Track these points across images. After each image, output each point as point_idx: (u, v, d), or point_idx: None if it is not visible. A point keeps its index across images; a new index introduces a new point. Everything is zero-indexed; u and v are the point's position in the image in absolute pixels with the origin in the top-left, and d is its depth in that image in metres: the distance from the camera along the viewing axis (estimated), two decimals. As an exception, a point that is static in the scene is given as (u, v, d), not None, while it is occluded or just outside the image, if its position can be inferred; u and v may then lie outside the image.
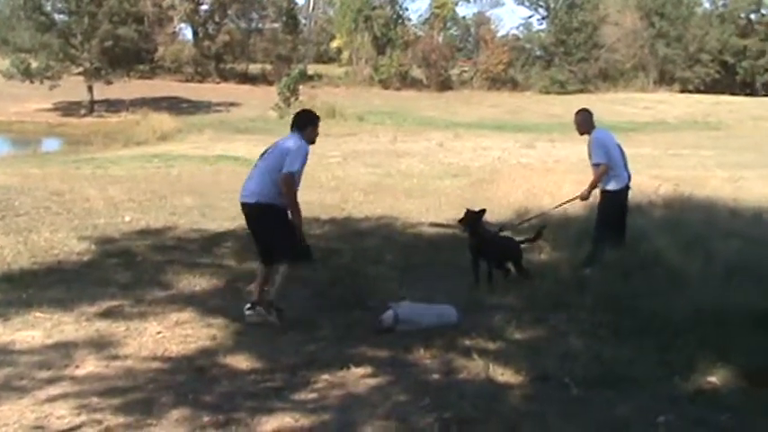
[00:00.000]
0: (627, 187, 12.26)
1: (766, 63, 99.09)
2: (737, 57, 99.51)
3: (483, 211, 11.25)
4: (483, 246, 10.99)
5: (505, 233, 12.05)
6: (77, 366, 7.37)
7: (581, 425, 6.38)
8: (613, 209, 12.13)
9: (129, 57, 68.87)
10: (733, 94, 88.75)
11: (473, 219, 11.05)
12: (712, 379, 7.47)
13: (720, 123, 62.71)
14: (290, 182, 9.01)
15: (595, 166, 11.93)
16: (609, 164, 11.85)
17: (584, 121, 12.26)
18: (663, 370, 7.63)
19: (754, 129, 57.88)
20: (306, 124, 9.45)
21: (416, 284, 10.84)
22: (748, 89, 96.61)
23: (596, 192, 12.16)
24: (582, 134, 12.33)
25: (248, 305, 9.12)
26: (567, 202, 13.22)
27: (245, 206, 9.27)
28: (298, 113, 9.84)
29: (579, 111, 12.53)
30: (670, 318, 8.81)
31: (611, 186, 12.00)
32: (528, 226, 13.08)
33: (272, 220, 9.17)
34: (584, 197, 12.25)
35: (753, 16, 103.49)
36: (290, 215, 9.17)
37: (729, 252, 11.71)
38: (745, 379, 7.34)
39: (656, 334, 8.56)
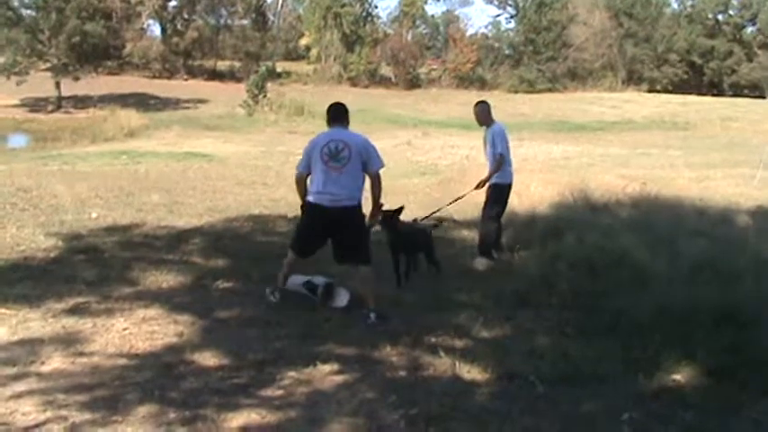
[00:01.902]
0: (511, 183, 12.79)
1: (733, 63, 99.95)
2: (705, 57, 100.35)
3: (401, 208, 11.17)
4: (400, 240, 10.99)
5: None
6: (43, 363, 7.32)
7: (547, 422, 6.41)
8: (500, 202, 12.66)
9: (96, 53, 68.57)
10: (700, 94, 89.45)
11: (390, 218, 10.87)
12: (677, 377, 7.53)
13: (688, 123, 63.09)
14: (380, 179, 9.44)
15: (494, 156, 12.28)
16: (504, 157, 12.28)
17: (484, 113, 12.59)
18: (628, 368, 7.67)
19: (722, 129, 58.29)
20: (347, 115, 9.77)
21: (383, 281, 10.83)
22: (715, 89, 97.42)
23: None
24: (481, 125, 12.65)
25: (373, 315, 9.21)
26: (462, 196, 13.45)
27: (344, 210, 9.21)
28: (341, 107, 9.80)
29: (479, 102, 12.85)
30: (636, 316, 8.84)
31: (500, 180, 12.43)
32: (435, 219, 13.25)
33: (363, 220, 9.53)
34: (481, 186, 12.52)
35: (720, 17, 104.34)
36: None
37: (695, 251, 11.78)
38: (708, 376, 7.40)
39: (622, 332, 8.60)
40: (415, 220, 12.00)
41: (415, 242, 11.40)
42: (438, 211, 13.40)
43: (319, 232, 9.45)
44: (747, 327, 8.20)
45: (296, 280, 9.98)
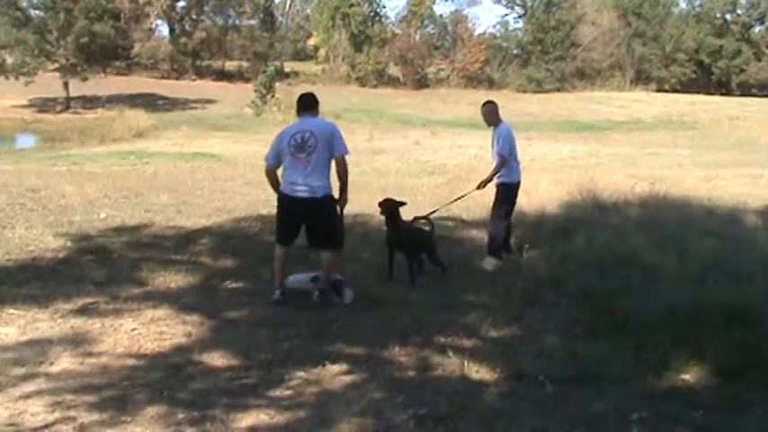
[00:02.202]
0: (519, 182, 12.78)
1: (741, 63, 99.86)
2: (713, 56, 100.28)
3: (403, 203, 11.37)
4: (401, 238, 11.11)
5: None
6: (52, 363, 7.32)
7: (555, 422, 6.39)
8: (508, 202, 12.64)
9: (105, 53, 68.78)
10: (708, 93, 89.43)
11: (393, 207, 11.13)
12: (686, 376, 7.51)
13: (696, 123, 63.09)
14: (346, 163, 9.65)
15: (498, 156, 12.30)
16: (509, 157, 12.29)
17: (492, 113, 12.62)
18: (638, 367, 7.65)
19: (730, 128, 58.28)
20: (317, 105, 9.99)
21: (393, 282, 10.86)
22: (723, 89, 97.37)
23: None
24: (489, 125, 12.67)
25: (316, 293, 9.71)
26: (466, 194, 13.57)
27: (311, 201, 9.47)
28: (310, 96, 10.07)
29: (486, 102, 12.89)
30: (645, 316, 8.83)
31: (508, 179, 12.44)
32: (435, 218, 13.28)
33: (334, 208, 9.72)
34: (482, 186, 12.55)
35: (728, 16, 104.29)
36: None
37: (704, 250, 11.78)
38: (718, 376, 7.38)
39: (632, 332, 8.58)
40: (415, 219, 12.00)
41: (415, 242, 11.46)
42: (438, 210, 13.40)
43: (295, 221, 9.72)
44: (756, 326, 8.18)
45: (300, 277, 10.11)
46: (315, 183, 9.40)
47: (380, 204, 11.29)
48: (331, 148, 9.48)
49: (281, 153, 9.60)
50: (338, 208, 9.76)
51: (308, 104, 9.92)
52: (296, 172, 9.48)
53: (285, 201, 9.64)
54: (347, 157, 9.65)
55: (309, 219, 9.60)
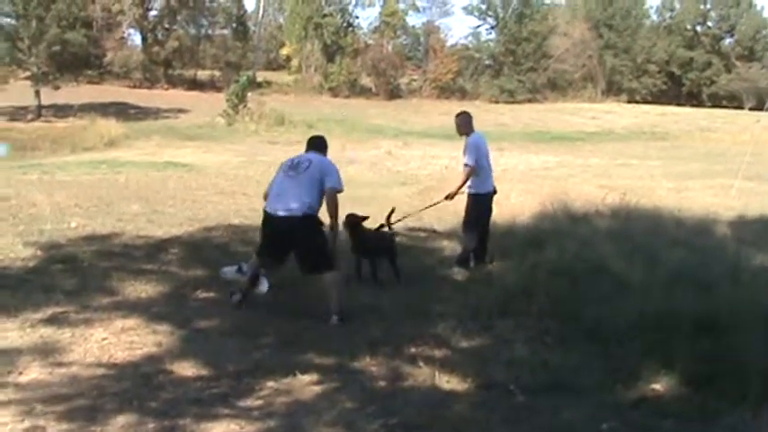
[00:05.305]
0: (491, 193, 12.93)
1: (712, 75, 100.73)
2: (684, 68, 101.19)
3: (366, 217, 11.76)
4: (363, 244, 11.53)
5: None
6: (21, 373, 7.28)
7: (526, 431, 6.42)
8: (478, 212, 12.75)
9: (77, 61, 68.42)
10: (679, 105, 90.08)
11: (355, 224, 11.55)
12: (656, 386, 7.56)
13: (667, 134, 63.46)
14: (336, 198, 9.66)
15: (465, 166, 12.46)
16: (476, 167, 12.39)
17: (465, 123, 12.81)
18: (608, 377, 7.70)
19: (701, 140, 58.68)
20: (326, 148, 10.37)
21: (364, 291, 10.87)
22: (694, 100, 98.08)
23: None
24: (461, 135, 12.82)
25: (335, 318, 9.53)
26: (434, 204, 13.75)
27: (291, 220, 9.46)
28: (320, 138, 10.50)
29: (460, 113, 13.07)
30: (615, 325, 8.88)
31: (476, 190, 12.62)
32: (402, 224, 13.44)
33: (319, 230, 9.66)
34: (450, 197, 12.76)
35: (699, 28, 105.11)
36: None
37: (673, 260, 11.86)
38: (687, 385, 7.42)
39: (602, 341, 8.64)
40: (380, 227, 12.10)
41: (376, 246, 11.76)
42: (405, 218, 13.48)
43: (275, 241, 9.77)
44: (725, 335, 8.23)
45: (230, 269, 10.70)
46: (296, 203, 9.42)
47: (344, 220, 11.43)
48: (323, 178, 9.58)
49: (276, 177, 9.98)
50: (324, 231, 9.73)
51: (315, 144, 10.31)
52: (280, 191, 9.63)
53: (266, 218, 9.78)
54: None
55: (291, 239, 9.59)
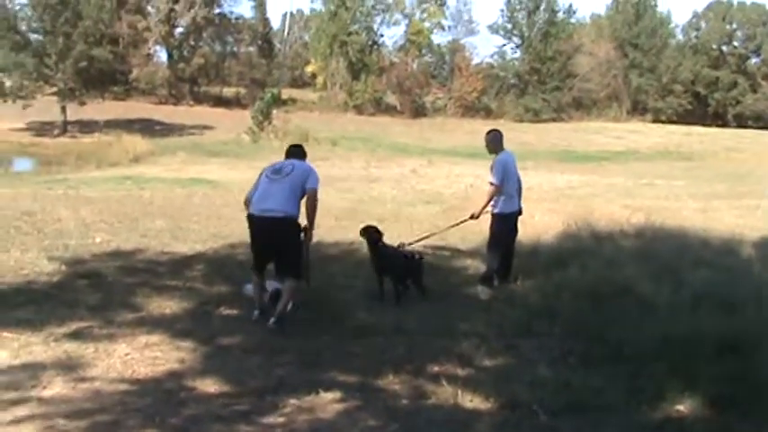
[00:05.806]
0: (516, 213, 12.83)
1: (738, 95, 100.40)
2: (709, 88, 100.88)
3: (381, 233, 11.80)
4: (384, 263, 11.51)
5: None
6: (44, 387, 7.31)
7: (549, 452, 6.39)
8: (503, 232, 12.61)
9: (103, 78, 68.77)
10: (704, 125, 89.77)
11: (372, 234, 11.63)
12: (680, 407, 7.49)
13: (692, 154, 63.27)
14: (317, 198, 10.15)
15: (490, 185, 12.40)
16: (501, 187, 12.31)
17: (495, 141, 12.73)
18: (631, 398, 7.63)
19: (726, 160, 58.44)
20: (305, 156, 10.95)
21: (387, 309, 10.85)
22: (720, 120, 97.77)
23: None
24: (490, 153, 12.73)
25: (272, 320, 9.75)
26: (460, 222, 13.70)
27: (273, 220, 9.84)
28: (299, 147, 11.19)
29: (491, 131, 13.02)
30: (639, 346, 8.82)
31: (501, 210, 12.48)
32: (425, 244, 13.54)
33: (298, 235, 10.06)
34: (475, 216, 12.74)
35: (725, 48, 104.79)
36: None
37: (698, 281, 11.78)
38: (711, 406, 7.36)
39: (626, 362, 8.58)
40: (400, 245, 12.09)
41: (398, 266, 11.69)
42: (429, 236, 13.47)
43: (263, 242, 10.16)
44: (749, 356, 8.17)
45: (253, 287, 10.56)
46: (279, 205, 9.84)
47: (361, 231, 11.82)
48: (305, 182, 10.03)
49: (259, 182, 10.34)
50: (302, 237, 10.15)
51: (295, 153, 10.89)
52: (265, 193, 10.05)
53: (251, 220, 10.12)
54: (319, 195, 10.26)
55: (270, 241, 9.99)
